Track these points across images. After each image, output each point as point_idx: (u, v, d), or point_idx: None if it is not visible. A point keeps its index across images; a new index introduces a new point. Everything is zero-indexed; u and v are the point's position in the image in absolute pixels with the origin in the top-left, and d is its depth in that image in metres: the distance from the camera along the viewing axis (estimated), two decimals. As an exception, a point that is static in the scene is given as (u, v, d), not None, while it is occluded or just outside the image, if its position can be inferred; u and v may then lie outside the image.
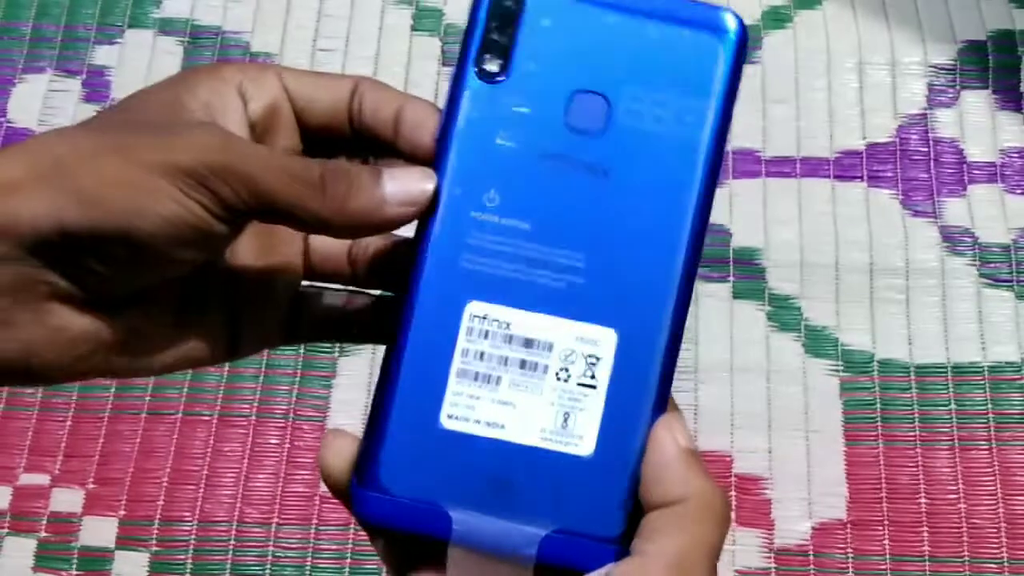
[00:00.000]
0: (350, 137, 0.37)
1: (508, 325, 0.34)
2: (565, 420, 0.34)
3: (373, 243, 0.38)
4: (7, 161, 0.31)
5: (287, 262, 0.37)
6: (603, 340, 0.34)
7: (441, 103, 0.35)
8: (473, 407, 0.33)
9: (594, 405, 0.34)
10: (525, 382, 0.34)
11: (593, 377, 0.34)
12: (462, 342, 0.34)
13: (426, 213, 0.34)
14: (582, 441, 0.33)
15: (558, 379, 0.34)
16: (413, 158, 0.35)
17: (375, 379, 0.34)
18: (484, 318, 0.34)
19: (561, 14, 0.35)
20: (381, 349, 0.35)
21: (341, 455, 0.34)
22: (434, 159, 0.35)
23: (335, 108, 0.36)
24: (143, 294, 0.34)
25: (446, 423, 0.33)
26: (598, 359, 0.34)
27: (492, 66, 0.34)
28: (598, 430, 0.34)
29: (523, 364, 0.34)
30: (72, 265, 0.32)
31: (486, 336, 0.34)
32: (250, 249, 0.37)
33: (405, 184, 0.34)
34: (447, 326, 0.34)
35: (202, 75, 0.35)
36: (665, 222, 0.34)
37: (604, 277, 0.34)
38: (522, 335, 0.34)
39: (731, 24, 0.35)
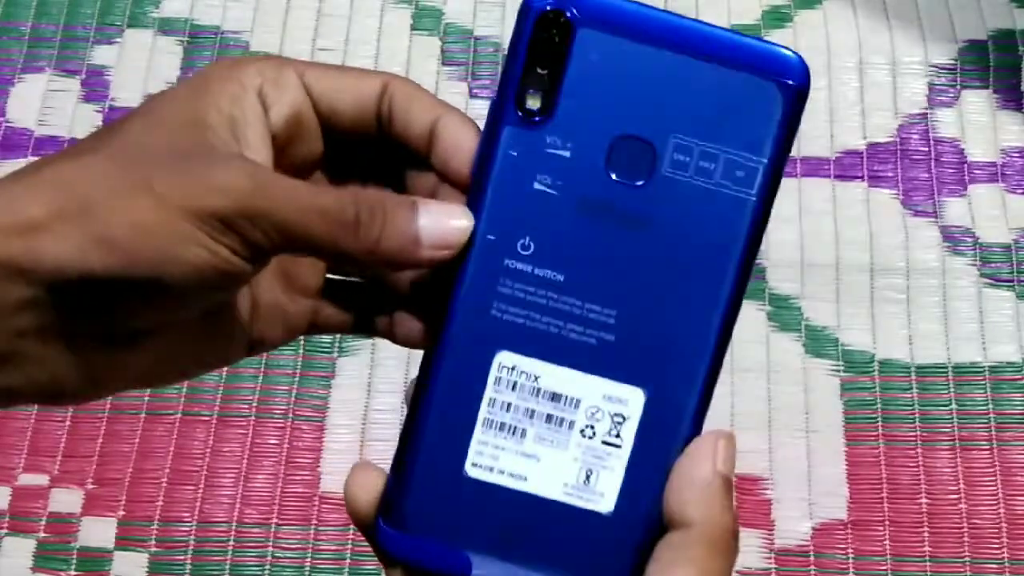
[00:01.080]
0: (376, 138, 0.35)
1: (536, 378, 0.33)
2: (587, 477, 0.33)
3: None
4: (26, 196, 0.30)
5: (305, 265, 0.36)
6: (630, 399, 0.33)
7: None
8: (497, 457, 0.33)
9: (617, 464, 0.33)
10: (550, 436, 0.33)
11: (618, 436, 0.33)
12: (490, 392, 0.33)
13: (459, 256, 0.33)
14: (603, 499, 0.33)
15: (583, 435, 0.33)
16: (446, 178, 0.34)
17: (374, 379, 0.34)
18: (512, 369, 0.33)
19: (610, 51, 0.32)
20: (381, 350, 0.34)
21: (367, 490, 0.34)
22: (468, 189, 0.33)
23: (361, 110, 0.35)
24: (168, 325, 0.33)
25: (470, 471, 0.33)
26: (624, 418, 0.33)
27: (534, 103, 0.33)
28: (619, 489, 0.33)
29: (549, 418, 0.33)
30: (96, 307, 0.30)
31: (514, 388, 0.33)
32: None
33: (441, 224, 0.32)
34: (475, 375, 0.33)
35: (221, 80, 0.33)
36: (704, 282, 0.33)
37: (637, 335, 0.33)
38: (550, 389, 0.33)
39: (794, 67, 0.32)
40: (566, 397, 0.33)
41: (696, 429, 0.33)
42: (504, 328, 0.33)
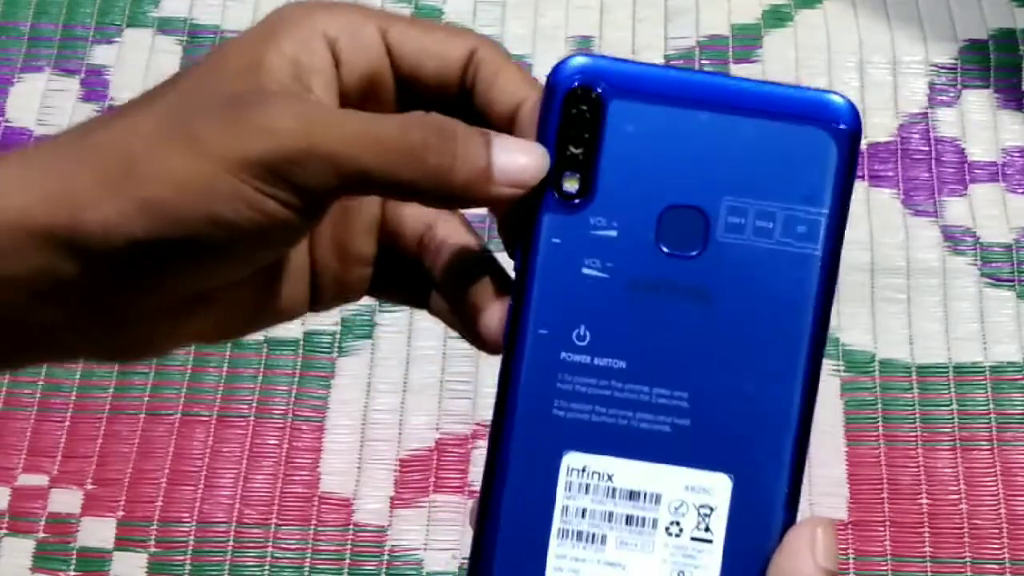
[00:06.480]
0: (457, 106, 0.32)
1: (610, 477, 0.30)
2: None
3: (447, 240, 0.34)
4: (74, 161, 0.29)
5: (357, 234, 0.34)
6: (716, 487, 0.30)
7: None
8: (578, 571, 0.30)
9: (711, 561, 0.30)
10: (633, 539, 0.30)
11: (708, 530, 0.30)
12: (561, 499, 0.30)
13: (512, 354, 0.31)
14: None
15: (669, 534, 0.30)
16: None
17: (374, 379, 0.33)
18: (583, 471, 0.30)
19: (646, 120, 0.30)
20: (381, 350, 0.33)
21: None
22: (514, 288, 0.31)
23: (444, 77, 0.32)
24: (224, 287, 0.31)
25: None
26: (712, 509, 0.30)
27: (572, 185, 0.30)
28: None
29: (629, 519, 0.30)
30: (147, 274, 0.29)
31: (587, 491, 0.30)
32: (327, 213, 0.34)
33: (514, 159, 0.30)
34: (543, 483, 0.30)
35: (290, 24, 0.31)
36: (779, 349, 0.30)
37: (712, 416, 0.30)
38: (626, 487, 0.30)
39: (842, 110, 0.30)
40: (645, 493, 0.30)
41: (790, 514, 0.31)
42: (568, 427, 0.30)
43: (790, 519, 0.31)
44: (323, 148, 0.28)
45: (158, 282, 0.30)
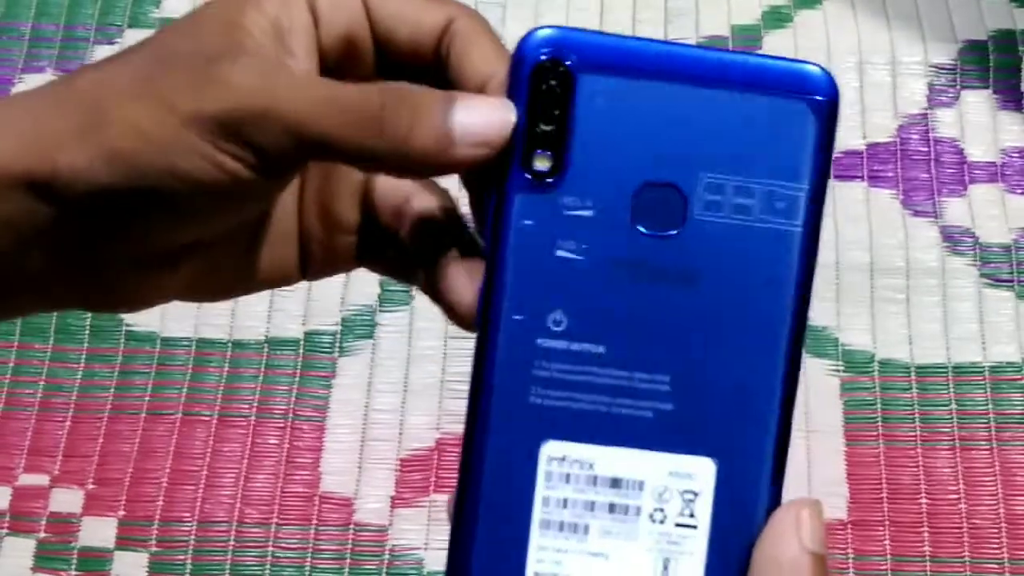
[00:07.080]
0: (433, 75, 0.31)
1: (591, 465, 0.30)
2: (666, 567, 0.30)
3: (422, 212, 0.33)
4: (54, 108, 0.30)
5: (341, 200, 0.34)
6: (700, 472, 0.30)
7: None
8: (561, 562, 0.30)
9: (697, 547, 0.30)
10: (616, 528, 0.30)
11: (692, 515, 0.30)
12: (541, 489, 0.30)
13: (486, 341, 0.30)
14: None
15: (653, 521, 0.30)
16: None
17: (374, 379, 0.33)
18: (563, 460, 0.30)
19: (618, 94, 0.30)
20: (382, 350, 0.33)
21: None
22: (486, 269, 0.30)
23: (418, 43, 0.31)
24: (200, 246, 0.32)
25: None
26: (696, 494, 0.30)
27: (542, 164, 0.30)
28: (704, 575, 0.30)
29: (612, 508, 0.30)
30: (114, 225, 0.30)
31: (567, 480, 0.30)
32: (312, 178, 0.34)
33: (479, 118, 0.29)
34: (522, 473, 0.30)
35: None
36: (761, 328, 0.30)
37: (694, 399, 0.30)
38: (608, 475, 0.30)
39: (819, 80, 0.30)
40: (628, 480, 0.30)
41: (775, 496, 0.31)
42: (546, 415, 0.30)
43: (775, 502, 0.31)
44: (280, 110, 0.28)
45: (126, 231, 0.30)
